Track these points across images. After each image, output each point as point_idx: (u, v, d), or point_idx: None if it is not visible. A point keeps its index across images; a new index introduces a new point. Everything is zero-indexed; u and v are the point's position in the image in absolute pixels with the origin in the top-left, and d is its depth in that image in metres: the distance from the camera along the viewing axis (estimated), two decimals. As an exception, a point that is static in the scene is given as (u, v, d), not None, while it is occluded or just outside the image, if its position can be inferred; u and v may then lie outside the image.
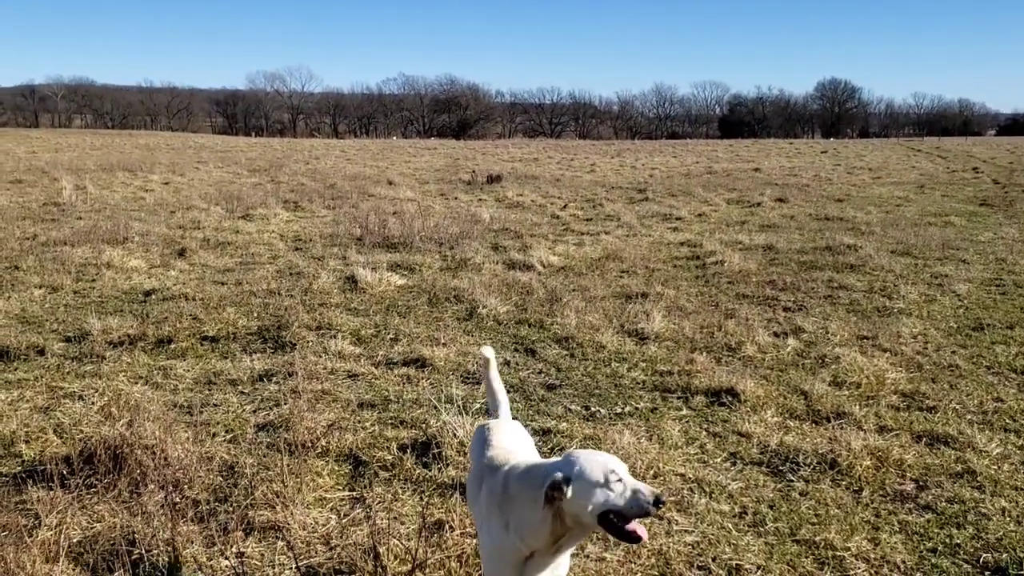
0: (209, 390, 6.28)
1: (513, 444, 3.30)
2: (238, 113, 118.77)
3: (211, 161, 33.84)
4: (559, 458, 2.88)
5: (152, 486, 4.42)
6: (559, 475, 2.71)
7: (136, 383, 6.38)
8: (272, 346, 7.44)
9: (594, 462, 2.75)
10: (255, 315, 8.34)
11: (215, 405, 5.94)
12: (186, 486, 4.51)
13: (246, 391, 6.27)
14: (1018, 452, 5.12)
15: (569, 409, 5.87)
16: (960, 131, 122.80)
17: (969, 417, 5.70)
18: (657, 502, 2.70)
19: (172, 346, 7.32)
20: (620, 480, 2.70)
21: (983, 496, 4.52)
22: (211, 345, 7.44)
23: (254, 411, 5.84)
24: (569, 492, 2.70)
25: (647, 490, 2.70)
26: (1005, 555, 3.92)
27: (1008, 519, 4.28)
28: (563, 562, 2.97)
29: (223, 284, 9.96)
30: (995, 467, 4.89)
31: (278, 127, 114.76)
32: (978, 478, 4.74)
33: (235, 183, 24.08)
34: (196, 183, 24.00)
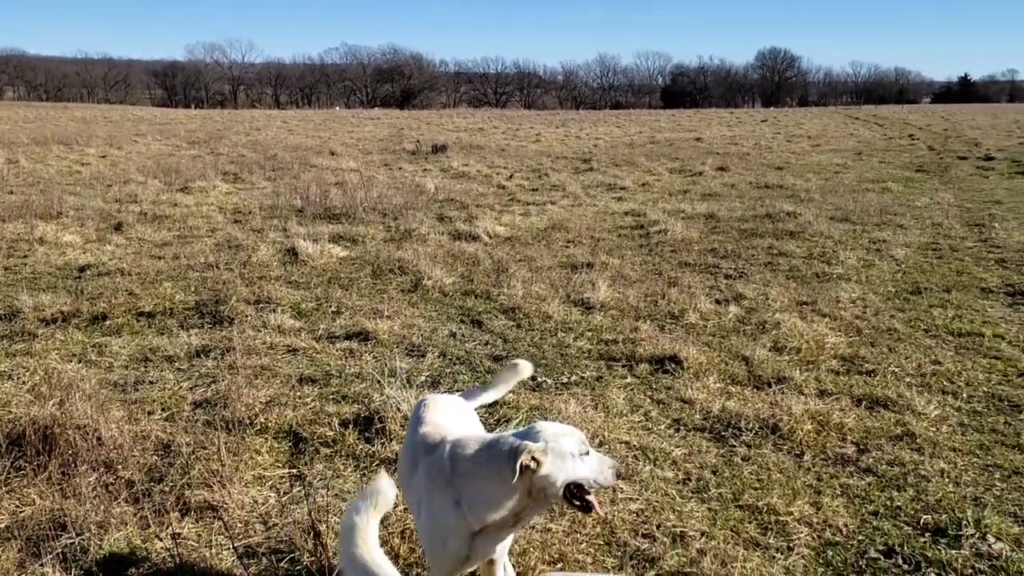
0: (145, 367, 6.11)
1: (448, 420, 3.17)
2: (177, 85, 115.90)
3: (150, 134, 32.92)
4: (515, 431, 2.82)
5: (84, 467, 4.27)
6: (536, 446, 2.65)
7: (69, 361, 6.17)
8: (210, 321, 7.26)
9: (566, 434, 2.72)
10: (193, 289, 8.13)
11: (151, 382, 5.77)
12: (120, 466, 4.37)
13: (183, 368, 6.11)
14: (956, 414, 5.22)
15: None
16: (896, 99, 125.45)
17: (908, 380, 5.81)
18: (618, 475, 2.75)
19: (107, 322, 7.10)
20: (588, 452, 2.71)
21: (922, 458, 4.60)
22: (147, 321, 7.23)
23: (191, 388, 5.69)
24: (545, 464, 2.65)
25: (610, 462, 2.74)
26: (944, 516, 3.99)
27: (947, 480, 4.36)
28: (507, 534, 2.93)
29: (160, 258, 9.70)
30: (934, 429, 4.98)
31: (218, 99, 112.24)
32: (917, 440, 4.82)
33: (174, 156, 23.47)
34: (134, 156, 23.33)
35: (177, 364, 6.18)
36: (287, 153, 24.06)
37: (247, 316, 7.33)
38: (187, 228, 11.77)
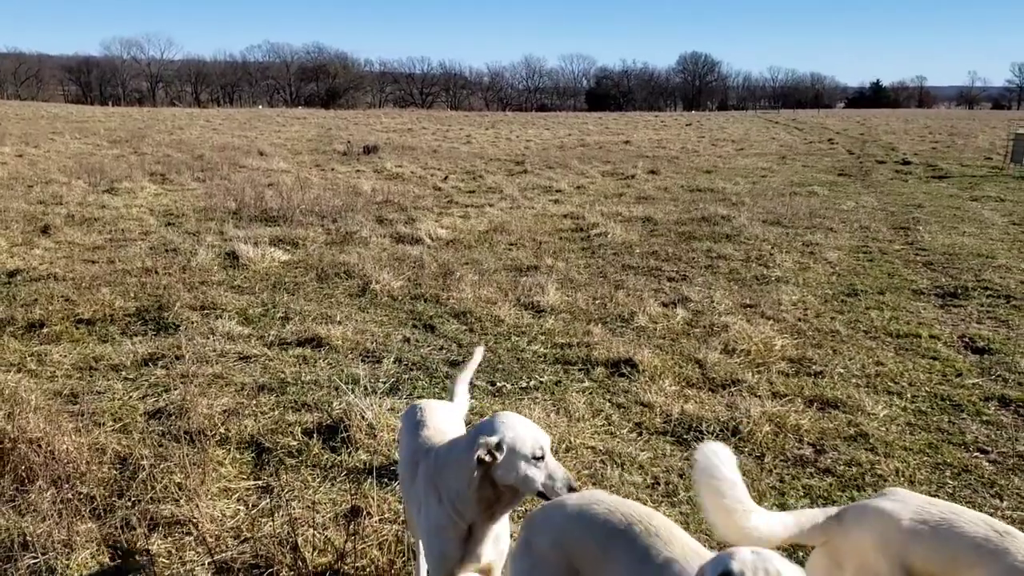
0: (91, 376, 5.91)
1: (448, 424, 3.24)
2: (92, 81, 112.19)
3: (67, 132, 31.80)
4: (483, 420, 2.83)
5: (41, 482, 4.11)
6: (492, 439, 2.67)
7: (8, 371, 5.93)
8: (154, 328, 7.06)
9: (526, 435, 2.70)
10: (132, 295, 7.90)
11: (99, 392, 5.59)
12: (78, 481, 4.22)
13: (131, 376, 5.93)
14: (903, 414, 5.41)
15: (474, 385, 5.82)
16: (813, 103, 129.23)
17: (855, 381, 6.00)
18: (570, 488, 2.70)
19: (45, 330, 6.85)
20: (543, 458, 2.70)
21: (877, 458, 4.76)
22: (87, 328, 7.00)
23: (142, 398, 5.54)
24: (500, 458, 2.67)
25: (562, 475, 2.71)
26: (901, 513, 4.14)
27: (903, 480, 4.51)
28: (503, 536, 2.93)
29: (94, 263, 9.39)
30: (884, 429, 5.16)
31: (136, 96, 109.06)
32: (871, 440, 4.98)
33: (95, 155, 22.73)
34: (53, 155, 22.49)
35: (124, 373, 6.00)
36: (214, 153, 23.53)
37: (193, 322, 7.15)
38: (119, 231, 11.42)
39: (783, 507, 4.19)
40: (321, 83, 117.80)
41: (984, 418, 5.37)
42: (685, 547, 2.42)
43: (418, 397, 5.56)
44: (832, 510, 2.74)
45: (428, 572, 2.96)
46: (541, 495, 2.72)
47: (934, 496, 4.27)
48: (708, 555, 2.31)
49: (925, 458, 4.79)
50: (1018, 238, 11.77)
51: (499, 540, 2.92)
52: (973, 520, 2.47)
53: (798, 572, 2.06)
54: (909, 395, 5.75)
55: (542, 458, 2.69)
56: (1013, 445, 4.97)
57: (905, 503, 2.60)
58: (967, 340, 6.99)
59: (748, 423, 5.10)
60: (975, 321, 7.56)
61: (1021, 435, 5.12)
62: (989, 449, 4.93)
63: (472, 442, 2.71)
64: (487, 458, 2.66)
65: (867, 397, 5.62)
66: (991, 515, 4.08)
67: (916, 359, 6.51)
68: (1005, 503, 4.29)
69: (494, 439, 2.67)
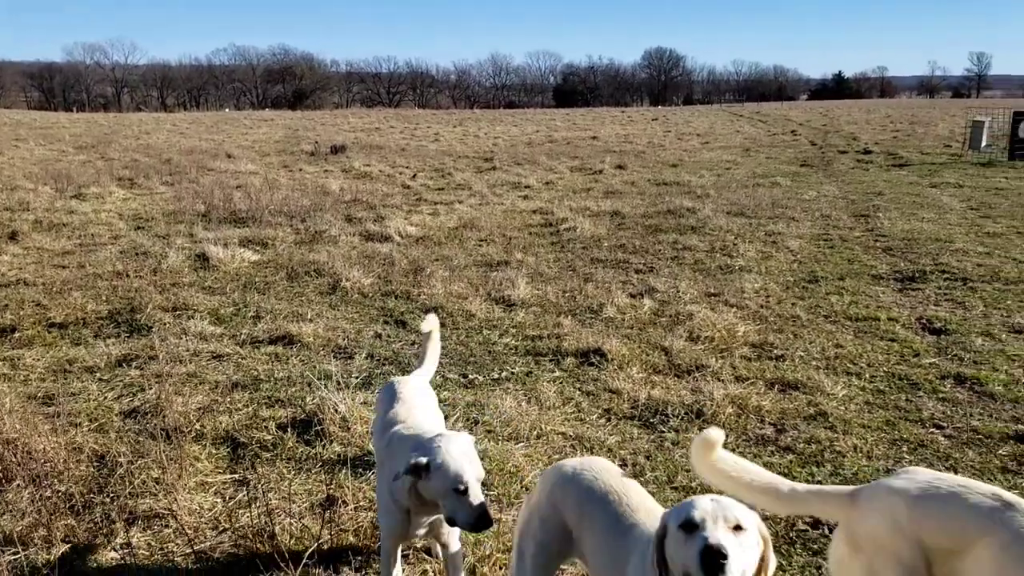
0: (65, 379, 5.95)
1: (419, 397, 3.65)
2: (56, 87, 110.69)
3: (31, 138, 31.41)
4: (433, 436, 3.06)
5: (19, 481, 4.16)
6: (422, 460, 2.92)
7: (-20, 376, 5.95)
8: (126, 330, 7.10)
9: (453, 466, 2.90)
10: (104, 298, 7.92)
11: (74, 394, 5.63)
12: (56, 480, 4.27)
13: (105, 378, 5.97)
14: (861, 394, 5.60)
15: (447, 377, 5.93)
16: (776, 96, 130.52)
17: (815, 363, 6.18)
18: (472, 527, 2.91)
19: (16, 334, 6.87)
20: (465, 492, 2.88)
21: (836, 436, 4.93)
22: (60, 332, 7.02)
23: (117, 398, 5.58)
24: (424, 477, 2.93)
25: (475, 512, 2.88)
26: (860, 487, 4.31)
27: (860, 455, 4.69)
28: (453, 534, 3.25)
29: (64, 267, 9.37)
30: (843, 408, 5.33)
31: (101, 101, 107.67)
32: (829, 419, 5.16)
33: (61, 161, 22.52)
34: (18, 162, 22.24)
35: (99, 374, 6.04)
36: (182, 157, 23.41)
37: (165, 323, 7.19)
38: (88, 236, 11.38)
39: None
40: (288, 85, 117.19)
41: (940, 395, 5.57)
42: (651, 513, 2.63)
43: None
44: (846, 489, 2.77)
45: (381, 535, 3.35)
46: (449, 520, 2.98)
47: (891, 470, 4.47)
48: None
49: (883, 434, 4.97)
50: (975, 223, 12.06)
51: (450, 533, 3.26)
52: (982, 491, 2.45)
53: (754, 518, 2.22)
54: (867, 375, 5.94)
55: (464, 492, 2.88)
56: (967, 420, 5.16)
57: (914, 480, 2.59)
58: (924, 322, 7.20)
59: (712, 406, 5.26)
60: (932, 303, 7.78)
61: (975, 411, 5.31)
62: (944, 424, 5.12)
63: (412, 450, 3.01)
64: (412, 476, 2.95)
65: (826, 378, 5.80)
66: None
67: (875, 341, 6.70)
68: (959, 475, 4.46)
69: (423, 460, 2.93)
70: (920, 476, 2.61)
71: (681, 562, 2.19)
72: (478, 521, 2.87)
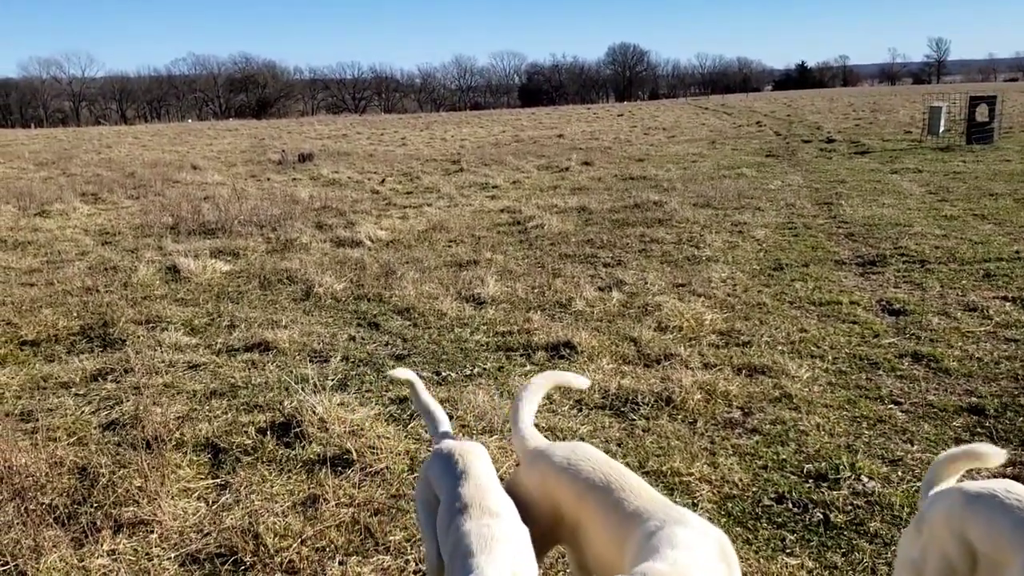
0: (41, 395, 5.98)
1: (487, 478, 2.86)
2: (12, 104, 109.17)
3: (-12, 156, 31.07)
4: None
5: (3, 495, 4.22)
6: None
7: (-45, 396, 5.98)
8: (99, 344, 7.13)
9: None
10: (75, 314, 7.94)
11: (51, 410, 5.67)
12: (39, 492, 4.34)
13: (81, 392, 6.02)
14: (824, 375, 5.78)
15: (420, 376, 6.03)
16: (741, 88, 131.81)
17: (780, 348, 6.36)
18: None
19: (-11, 354, 6.88)
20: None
21: (800, 416, 5.10)
22: (32, 349, 7.04)
23: (94, 412, 5.63)
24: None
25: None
26: (824, 463, 4.48)
27: (823, 433, 4.87)
28: None
29: (32, 285, 9.35)
30: (807, 390, 5.51)
31: (59, 116, 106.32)
32: (794, 400, 5.33)
33: (23, 178, 22.30)
34: (-24, 181, 22.03)
35: (74, 389, 6.08)
36: (146, 170, 23.29)
37: (139, 336, 7.24)
38: (54, 253, 11.36)
39: (714, 466, 4.51)
40: (251, 93, 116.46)
41: (898, 373, 5.77)
42: (654, 500, 2.68)
43: (367, 391, 5.77)
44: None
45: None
46: None
47: (852, 445, 4.66)
48: (671, 506, 2.64)
49: (844, 412, 5.15)
50: (933, 206, 12.37)
51: None
52: None
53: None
54: (830, 357, 6.13)
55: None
56: (924, 396, 5.36)
57: (982, 483, 2.53)
58: (884, 304, 7.42)
59: (681, 392, 5.41)
60: (892, 286, 8.01)
61: (931, 386, 5.52)
62: (902, 401, 5.31)
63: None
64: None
65: (791, 362, 5.98)
66: (901, 459, 4.47)
67: (837, 324, 6.90)
68: (915, 447, 4.66)
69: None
70: (989, 482, 2.54)
71: None
72: None
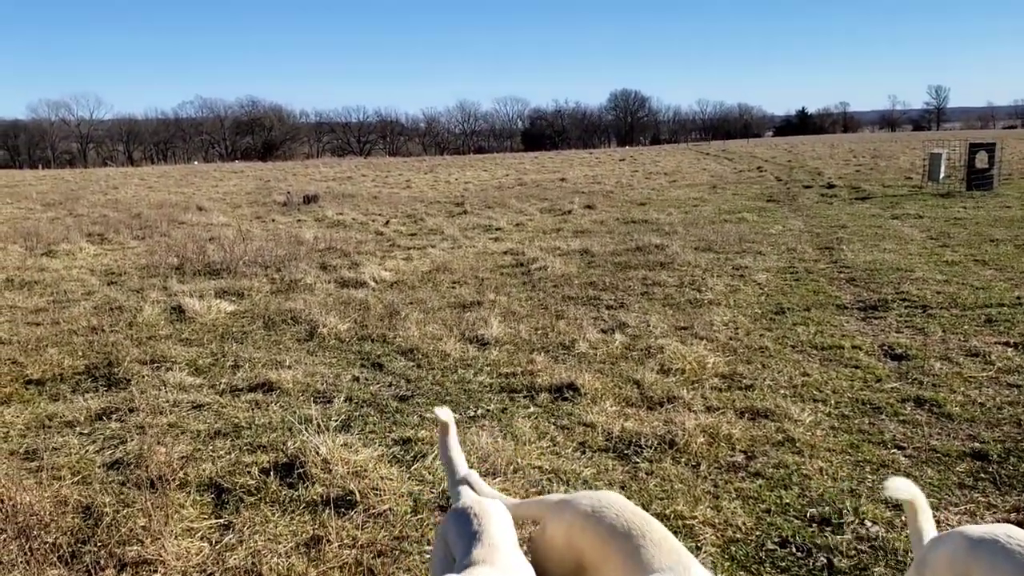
0: (46, 434, 5.99)
1: (502, 537, 2.75)
2: (20, 145, 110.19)
3: (-3, 196, 31.32)
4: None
5: (7, 534, 4.23)
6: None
7: (-40, 434, 5.99)
8: (104, 384, 7.16)
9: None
10: (80, 354, 7.97)
11: (55, 449, 5.68)
12: (43, 531, 4.34)
13: (86, 431, 6.03)
14: (827, 419, 5.79)
15: (424, 417, 6.06)
16: (742, 133, 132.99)
17: (782, 392, 6.37)
18: None
19: (-6, 392, 6.90)
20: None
21: (803, 460, 5.11)
22: (37, 388, 7.07)
23: (99, 450, 5.65)
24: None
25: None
26: (827, 508, 4.48)
27: (826, 477, 4.87)
28: None
29: (38, 325, 9.40)
30: (810, 433, 5.52)
31: (67, 157, 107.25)
32: (797, 444, 5.34)
33: (30, 219, 22.49)
34: (-16, 220, 22.21)
35: (79, 428, 6.09)
36: (152, 211, 23.48)
37: (143, 376, 7.26)
38: (61, 292, 11.43)
39: (718, 510, 4.51)
40: (257, 136, 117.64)
41: (901, 418, 5.78)
42: (672, 550, 2.69)
43: (370, 432, 5.78)
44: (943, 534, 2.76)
45: None
46: None
47: (855, 489, 4.66)
48: (683, 555, 2.66)
49: (847, 457, 5.15)
50: (934, 252, 12.43)
51: None
52: None
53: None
54: (833, 401, 6.14)
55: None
56: (927, 441, 5.37)
57: (985, 527, 2.58)
58: (886, 348, 7.44)
59: (684, 435, 5.42)
60: (894, 330, 8.04)
61: (934, 431, 5.52)
62: (905, 445, 5.32)
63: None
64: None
65: (793, 405, 5.99)
66: (905, 502, 4.46)
67: (839, 368, 6.92)
68: (919, 492, 4.65)
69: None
70: (996, 526, 2.59)
71: None
72: None
